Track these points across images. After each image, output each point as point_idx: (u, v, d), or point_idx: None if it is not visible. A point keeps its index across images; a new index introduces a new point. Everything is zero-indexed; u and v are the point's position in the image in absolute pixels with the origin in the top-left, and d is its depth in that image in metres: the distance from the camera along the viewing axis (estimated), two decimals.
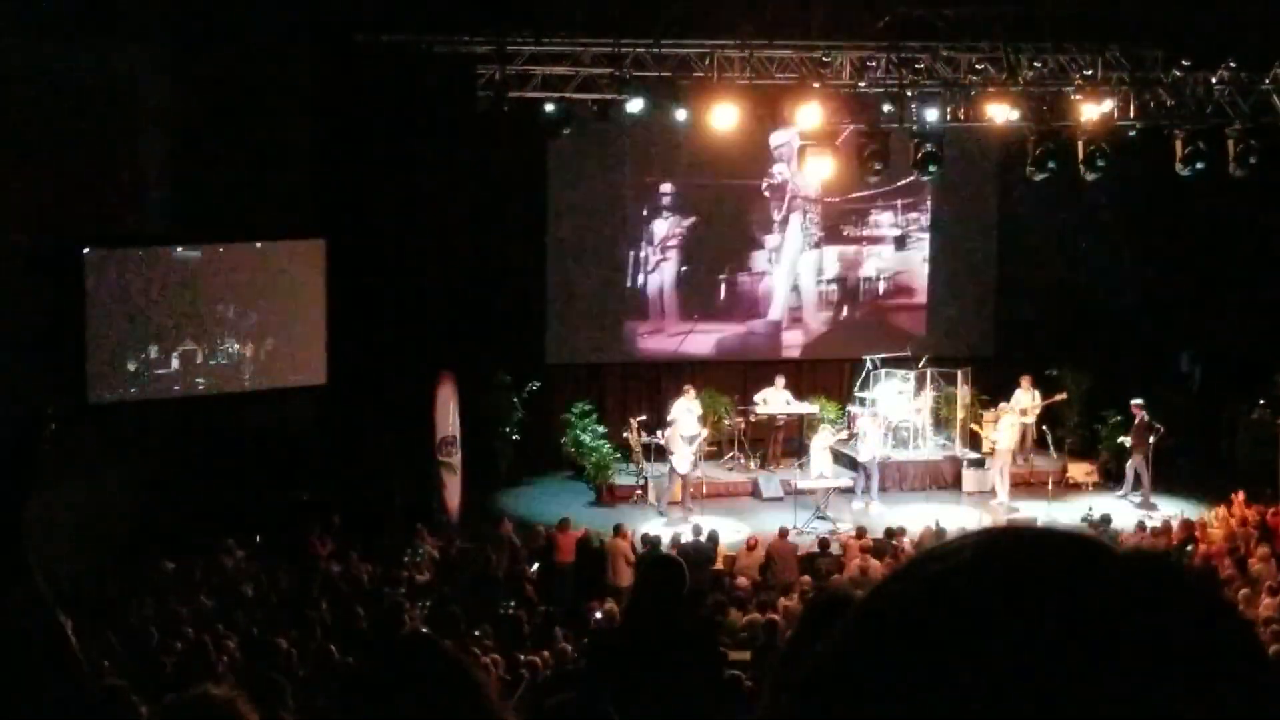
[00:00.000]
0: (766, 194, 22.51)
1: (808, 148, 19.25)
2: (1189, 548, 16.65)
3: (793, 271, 22.75)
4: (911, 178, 20.74)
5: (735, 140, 19.58)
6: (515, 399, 20.74)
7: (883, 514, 19.33)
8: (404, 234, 19.18)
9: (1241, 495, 18.34)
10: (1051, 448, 20.10)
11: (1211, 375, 21.89)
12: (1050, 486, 19.98)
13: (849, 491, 20.01)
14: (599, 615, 13.83)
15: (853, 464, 20.40)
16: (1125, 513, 19.12)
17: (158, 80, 17.53)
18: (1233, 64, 18.87)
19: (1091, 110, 18.85)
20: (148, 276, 17.52)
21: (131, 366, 17.38)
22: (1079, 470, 20.99)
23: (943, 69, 19.32)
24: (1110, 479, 21.18)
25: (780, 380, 21.28)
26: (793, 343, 22.88)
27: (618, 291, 22.34)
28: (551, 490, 20.68)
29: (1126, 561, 0.84)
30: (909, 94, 19.05)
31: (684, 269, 22.49)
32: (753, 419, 21.36)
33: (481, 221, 20.60)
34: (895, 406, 21.21)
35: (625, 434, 20.75)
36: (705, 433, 20.33)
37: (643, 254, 22.41)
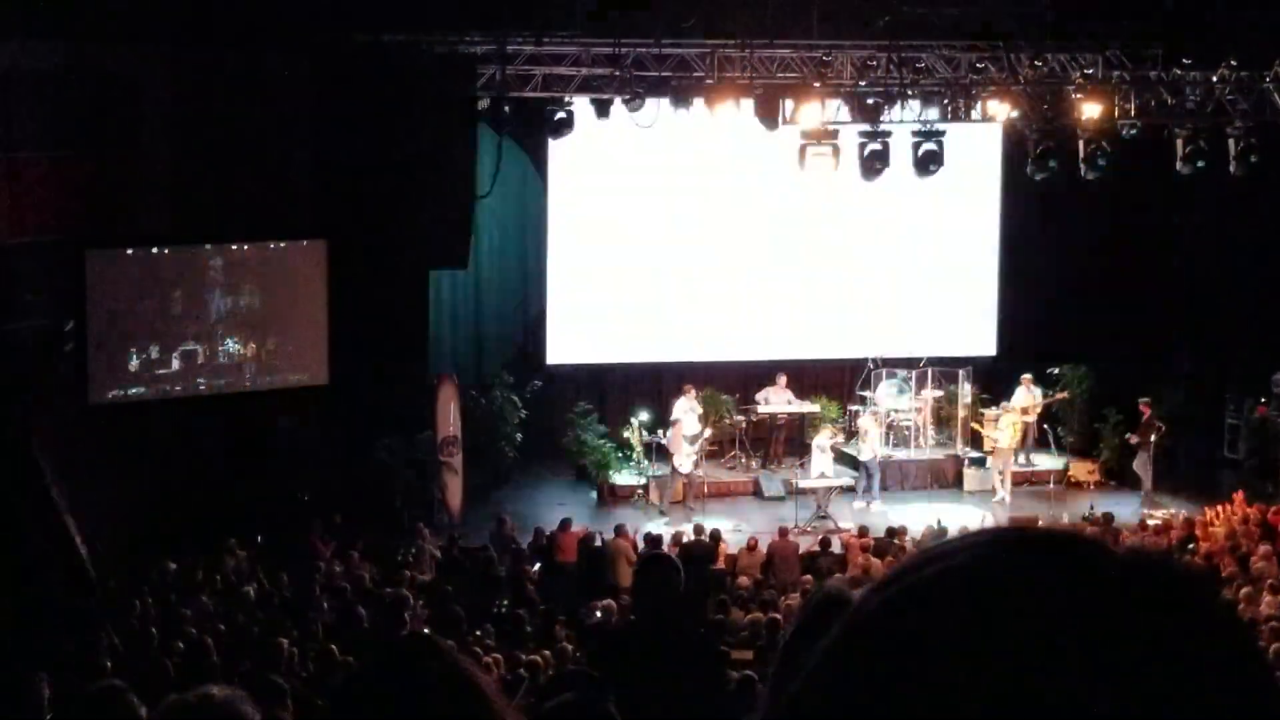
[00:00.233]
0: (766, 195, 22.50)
1: (808, 148, 19.25)
2: (1190, 546, 16.65)
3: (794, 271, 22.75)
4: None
5: (735, 140, 19.60)
6: (516, 399, 20.74)
7: (884, 513, 19.34)
8: (405, 234, 19.17)
9: (1241, 495, 18.34)
10: (1053, 446, 20.09)
11: (1214, 374, 21.86)
12: (1052, 485, 19.98)
13: (850, 491, 20.01)
14: (599, 614, 13.83)
15: (854, 463, 20.41)
16: (1128, 511, 19.11)
17: (158, 80, 17.53)
18: (1233, 62, 18.86)
19: (1092, 109, 18.85)
20: (149, 277, 17.53)
21: (133, 367, 17.39)
22: (1080, 469, 21.00)
23: (943, 68, 19.31)
24: (1112, 478, 21.19)
25: (781, 379, 21.29)
26: (793, 343, 22.86)
27: (619, 290, 22.32)
28: (553, 490, 20.69)
29: (1125, 562, 0.84)
30: (910, 93, 19.05)
31: (685, 268, 22.49)
32: (754, 418, 21.36)
33: (482, 221, 20.61)
34: (895, 406, 21.23)
35: (626, 433, 20.76)
36: (709, 432, 20.34)
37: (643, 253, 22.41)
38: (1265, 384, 20.92)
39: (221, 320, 18.16)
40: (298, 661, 11.08)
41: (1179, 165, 19.32)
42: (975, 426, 21.07)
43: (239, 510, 16.63)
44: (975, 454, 20.91)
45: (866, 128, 18.86)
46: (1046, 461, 20.92)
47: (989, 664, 0.79)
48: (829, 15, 18.15)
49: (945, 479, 21.13)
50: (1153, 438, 20.10)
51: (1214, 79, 19.02)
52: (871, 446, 20.11)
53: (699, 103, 18.66)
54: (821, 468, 19.79)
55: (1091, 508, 19.01)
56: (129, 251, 17.54)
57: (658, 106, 18.69)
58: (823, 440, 19.99)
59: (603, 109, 18.89)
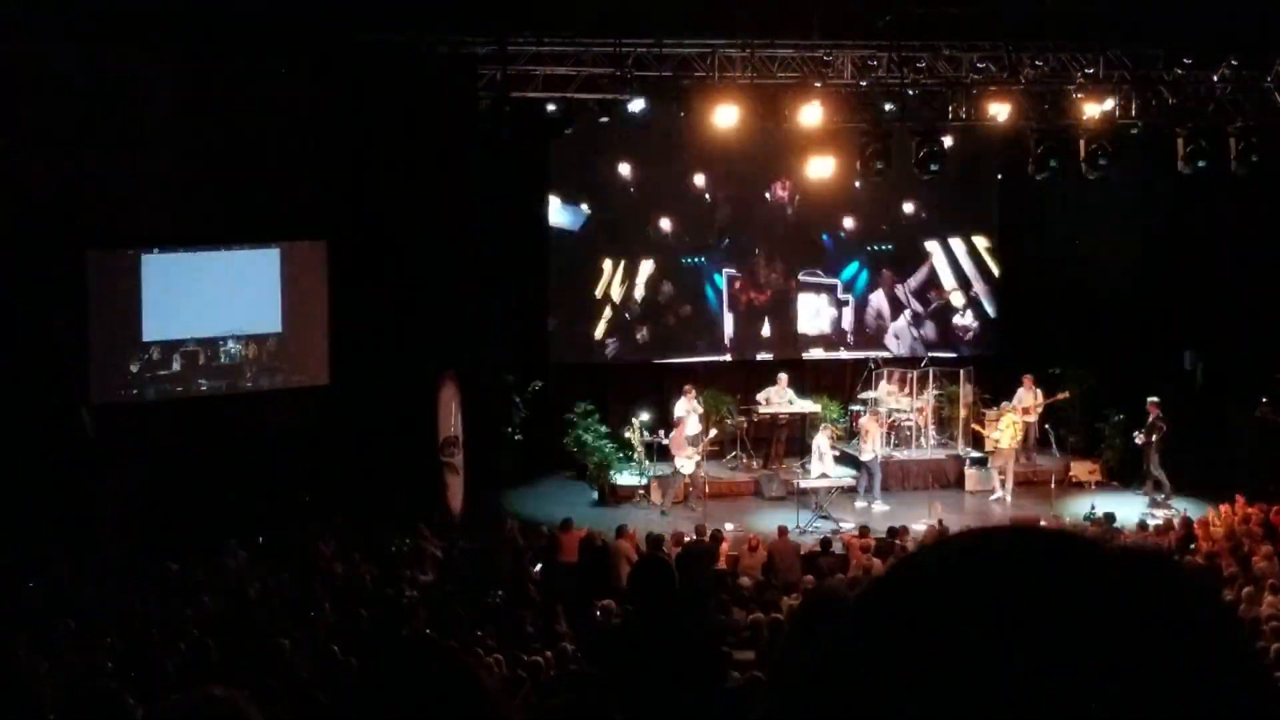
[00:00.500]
0: (767, 196, 22.53)
1: (809, 147, 19.26)
2: (1191, 546, 16.64)
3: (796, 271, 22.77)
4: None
5: (737, 140, 19.58)
6: (517, 399, 20.74)
7: (885, 513, 19.34)
8: (406, 234, 19.18)
9: (1242, 496, 18.33)
10: (1054, 446, 20.08)
11: (1214, 374, 21.85)
12: (1053, 485, 19.98)
13: (851, 491, 20.01)
14: (600, 615, 13.82)
15: (855, 464, 20.41)
16: (1130, 511, 19.11)
17: (159, 81, 17.53)
18: (1234, 62, 18.87)
19: (1093, 109, 18.86)
20: (150, 277, 17.53)
21: (134, 368, 17.40)
22: (1082, 469, 21.00)
23: (944, 68, 19.31)
24: (1113, 478, 21.19)
25: (783, 379, 21.29)
26: (795, 340, 22.87)
27: (620, 290, 22.33)
28: (554, 490, 20.69)
29: (1120, 560, 0.85)
30: (910, 93, 19.05)
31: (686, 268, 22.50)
32: (755, 418, 21.37)
33: (483, 221, 20.60)
34: (896, 406, 21.23)
35: (627, 433, 20.76)
36: (714, 432, 20.35)
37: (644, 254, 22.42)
38: (1267, 383, 20.91)
39: (222, 321, 18.16)
40: (299, 662, 11.07)
41: (1180, 165, 19.33)
42: (976, 428, 21.06)
43: (240, 511, 16.63)
44: (976, 454, 20.91)
45: (867, 128, 18.86)
46: (1048, 461, 20.91)
47: (987, 661, 0.79)
48: (830, 15, 18.16)
49: (946, 479, 21.13)
50: (1154, 437, 20.10)
51: (1215, 79, 19.02)
52: (873, 446, 20.10)
53: (700, 102, 18.66)
54: (822, 468, 19.79)
55: (1093, 508, 19.01)
56: (130, 252, 17.54)
57: (658, 106, 18.69)
58: (822, 440, 19.99)
59: (604, 109, 18.89)
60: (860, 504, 19.85)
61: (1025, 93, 19.02)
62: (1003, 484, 20.31)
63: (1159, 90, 19.19)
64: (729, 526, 18.19)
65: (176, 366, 17.79)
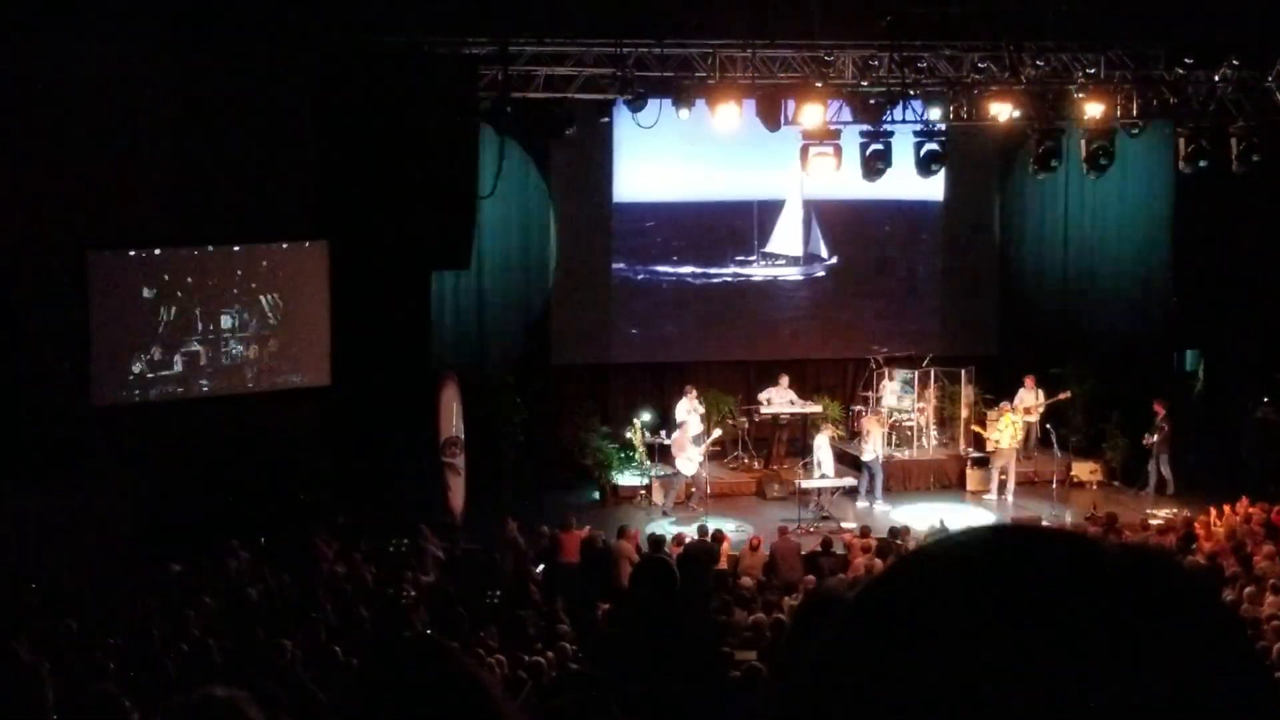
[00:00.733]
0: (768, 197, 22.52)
1: (810, 148, 19.25)
2: (1192, 545, 16.64)
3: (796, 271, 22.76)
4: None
5: (737, 140, 19.60)
6: (519, 399, 20.74)
7: (887, 513, 19.34)
8: (407, 235, 19.18)
9: (1245, 498, 18.33)
10: (1056, 447, 20.08)
11: (1216, 374, 21.85)
12: (1055, 485, 19.97)
13: (853, 491, 20.01)
14: (601, 615, 13.82)
15: (856, 464, 20.40)
16: (1132, 512, 19.12)
17: (160, 81, 17.53)
18: (1235, 61, 18.85)
19: (1094, 108, 18.85)
20: (150, 278, 17.54)
21: (135, 369, 17.40)
22: (1083, 469, 20.99)
23: (945, 68, 19.31)
24: (1115, 478, 21.18)
25: (784, 379, 21.29)
26: (795, 340, 22.85)
27: (621, 291, 22.33)
28: (555, 491, 20.68)
29: (1121, 560, 0.84)
30: (912, 93, 19.04)
31: (688, 269, 22.49)
32: (756, 419, 21.37)
33: (484, 222, 20.60)
34: (898, 406, 21.23)
35: (629, 434, 20.75)
36: (718, 433, 20.35)
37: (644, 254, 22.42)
38: (1270, 383, 20.91)
39: (223, 322, 18.17)
40: (300, 663, 11.07)
41: (1181, 164, 19.33)
42: (975, 429, 21.05)
43: (241, 511, 16.63)
44: (978, 454, 20.90)
45: (868, 128, 18.85)
46: (1049, 461, 20.88)
47: (987, 660, 0.79)
48: (831, 15, 18.16)
49: (948, 479, 21.13)
50: (1155, 437, 20.11)
51: (1216, 78, 19.01)
52: (874, 447, 20.10)
53: (700, 102, 18.65)
54: (823, 468, 19.78)
55: (1095, 508, 19.00)
56: (130, 253, 17.55)
57: (659, 106, 18.69)
58: (823, 440, 19.98)
59: (604, 109, 18.88)
60: (861, 504, 19.85)
61: (1026, 92, 19.02)
62: (1004, 484, 20.30)
63: (1160, 89, 19.18)
64: (730, 527, 18.19)
65: (178, 367, 17.79)
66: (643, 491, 20.26)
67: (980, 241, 23.41)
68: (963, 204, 23.12)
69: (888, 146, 18.78)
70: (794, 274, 22.80)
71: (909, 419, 21.31)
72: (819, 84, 18.59)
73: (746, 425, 21.40)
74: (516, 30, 18.18)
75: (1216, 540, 16.93)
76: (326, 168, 18.65)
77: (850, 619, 0.86)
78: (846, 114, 19.30)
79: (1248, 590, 14.04)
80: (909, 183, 20.42)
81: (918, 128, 19.01)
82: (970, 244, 23.35)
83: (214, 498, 16.73)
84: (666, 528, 18.25)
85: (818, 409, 21.41)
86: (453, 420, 18.81)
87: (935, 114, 19.20)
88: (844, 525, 18.60)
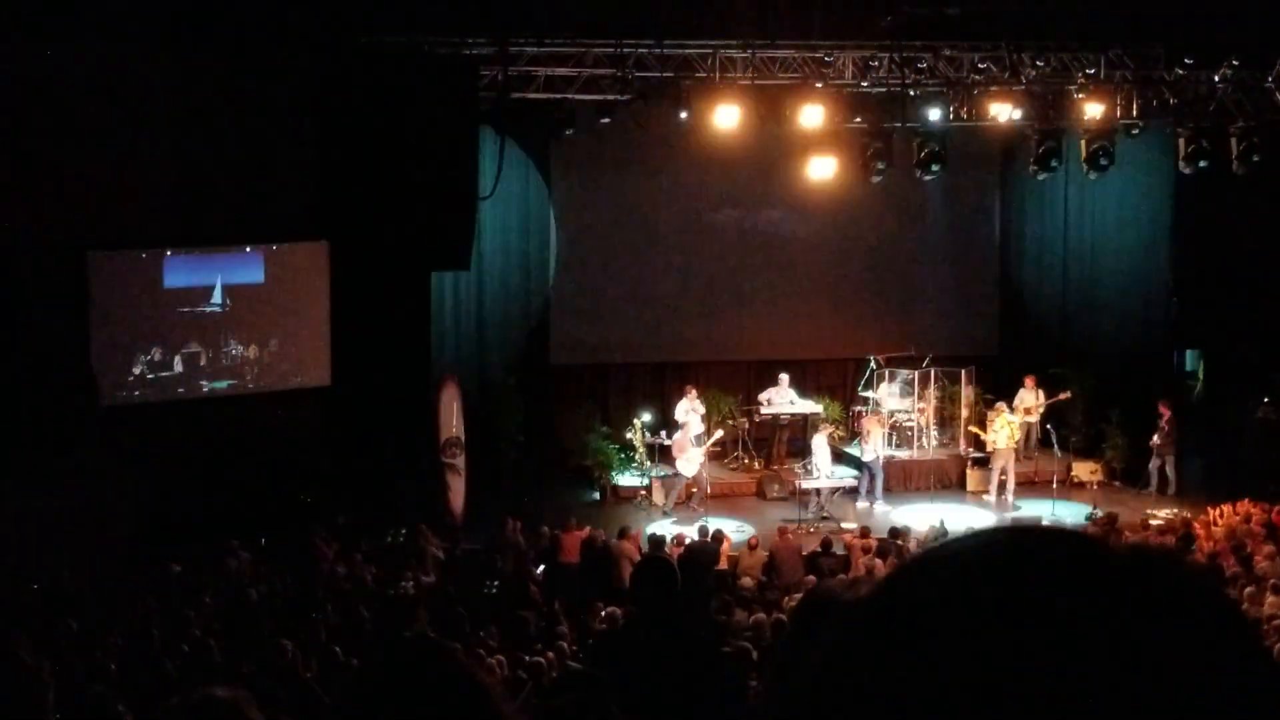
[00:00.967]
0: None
1: (810, 148, 19.26)
2: (1192, 545, 16.63)
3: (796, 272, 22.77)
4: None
5: (737, 140, 19.58)
6: (519, 400, 20.74)
7: (887, 514, 19.33)
8: (407, 235, 19.17)
9: (1248, 501, 18.34)
10: (1056, 447, 20.08)
11: (1216, 373, 21.84)
12: (1055, 485, 19.97)
13: (853, 492, 20.01)
14: (603, 615, 13.81)
15: (857, 464, 20.40)
16: (1132, 512, 19.11)
17: (160, 82, 17.53)
18: (1235, 61, 18.86)
19: (1094, 109, 18.85)
20: (151, 279, 17.54)
21: (136, 369, 17.40)
22: (1084, 469, 20.98)
23: (945, 68, 19.31)
24: (1115, 478, 21.18)
25: (784, 379, 21.29)
26: (795, 341, 22.85)
27: (622, 291, 22.33)
28: (556, 491, 20.67)
29: (1128, 560, 0.84)
30: (912, 93, 19.04)
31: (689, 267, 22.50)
32: (757, 419, 21.36)
33: (485, 222, 20.61)
34: (898, 406, 21.22)
35: (629, 434, 20.75)
36: (720, 433, 20.34)
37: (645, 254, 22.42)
38: (1270, 383, 20.90)
39: (224, 323, 18.17)
40: (301, 663, 11.07)
41: (1181, 165, 19.33)
42: (972, 429, 21.04)
43: (242, 512, 16.63)
44: (978, 454, 20.89)
45: (869, 128, 18.85)
46: (1050, 461, 20.88)
47: (993, 662, 0.79)
48: (831, 16, 18.16)
49: (948, 479, 21.12)
50: (1157, 439, 20.13)
51: (1216, 78, 19.01)
52: (874, 447, 20.09)
53: (701, 103, 18.65)
54: (823, 468, 19.77)
55: (1095, 508, 19.00)
56: (131, 253, 17.54)
57: (660, 107, 18.69)
58: (821, 440, 19.96)
59: (605, 110, 18.89)
60: (862, 504, 19.85)
61: (1026, 93, 19.02)
62: (1003, 485, 20.29)
63: (1160, 90, 19.18)
64: (731, 527, 18.18)
65: (178, 368, 17.79)
66: (643, 492, 20.25)
67: (981, 241, 23.41)
68: (963, 204, 23.12)
69: (888, 147, 18.78)
70: (796, 272, 22.80)
71: (909, 419, 21.31)
72: (819, 84, 18.60)
73: (747, 425, 21.40)
74: (516, 31, 18.18)
75: (1217, 540, 16.93)
76: (326, 168, 18.64)
77: (855, 621, 0.86)
78: (847, 114, 19.29)
79: (1248, 590, 14.04)
80: (909, 182, 20.44)
81: (918, 128, 19.02)
82: (970, 244, 23.35)
83: (214, 498, 16.72)
84: (667, 528, 18.25)
85: (818, 409, 21.40)
86: (453, 421, 18.81)
87: (935, 114, 19.21)
88: (844, 525, 18.60)
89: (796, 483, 19.79)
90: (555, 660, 11.55)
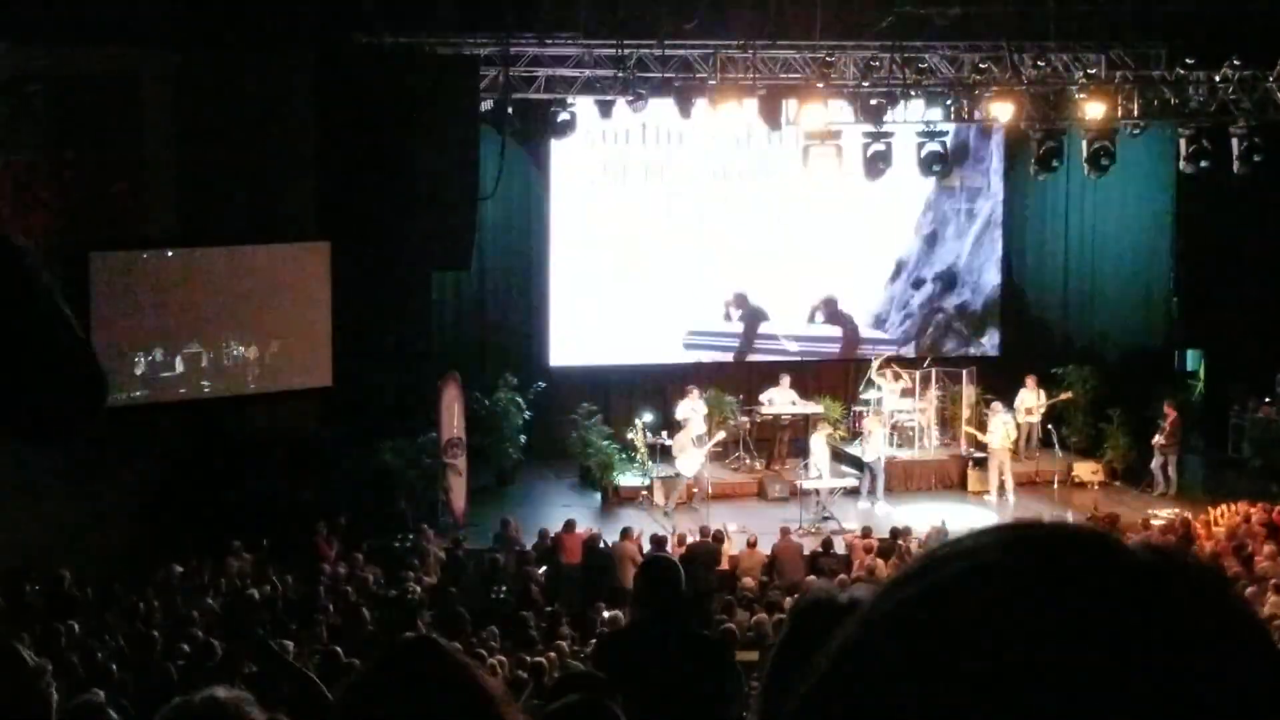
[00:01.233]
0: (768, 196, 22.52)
1: (811, 148, 19.26)
2: (1193, 545, 16.62)
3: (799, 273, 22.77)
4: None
5: (738, 139, 19.63)
6: (520, 400, 20.74)
7: (888, 514, 19.32)
8: (408, 235, 19.18)
9: (1247, 501, 18.34)
10: (1057, 447, 20.07)
11: (1217, 374, 21.83)
12: (1056, 485, 19.96)
13: (854, 492, 20.00)
14: (605, 616, 13.81)
15: (858, 464, 20.39)
16: (1133, 512, 19.10)
17: (161, 83, 17.53)
18: (1236, 61, 18.86)
19: (1095, 108, 18.85)
20: (152, 279, 17.54)
21: (137, 370, 17.40)
22: (1084, 469, 20.97)
23: (946, 68, 19.31)
24: (1116, 478, 21.18)
25: (785, 380, 21.28)
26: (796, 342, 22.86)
27: (623, 291, 22.32)
28: (557, 492, 20.68)
29: (1142, 557, 0.84)
30: (913, 93, 19.04)
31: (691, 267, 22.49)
32: (758, 419, 21.35)
33: (485, 223, 20.62)
34: (899, 406, 21.21)
35: (630, 435, 20.73)
36: (722, 434, 20.33)
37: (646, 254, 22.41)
38: (1270, 383, 20.90)
39: (225, 323, 18.17)
40: (303, 663, 11.07)
41: (1182, 164, 19.33)
42: (969, 429, 21.04)
43: (243, 513, 16.63)
44: (979, 454, 20.88)
45: (870, 128, 18.85)
46: (1051, 461, 20.88)
47: (1016, 661, 0.78)
48: (832, 16, 18.16)
49: (950, 479, 21.11)
50: (1157, 439, 20.13)
51: (1217, 78, 19.01)
52: (875, 447, 20.08)
53: (702, 103, 18.66)
54: (822, 468, 19.74)
55: (1096, 508, 18.99)
56: (132, 253, 17.54)
57: (661, 107, 18.69)
58: (819, 440, 19.93)
59: (605, 110, 18.89)
60: (863, 504, 19.83)
61: (1027, 93, 19.01)
62: (1003, 485, 20.28)
63: (1161, 90, 19.18)
64: (732, 527, 18.17)
65: (179, 368, 17.79)
66: (644, 492, 20.24)
67: (982, 241, 23.40)
68: (964, 204, 23.12)
69: (889, 147, 18.79)
70: (797, 272, 22.80)
71: (910, 419, 21.30)
72: (820, 84, 18.60)
73: (748, 425, 21.38)
74: (518, 31, 18.18)
75: (1217, 540, 16.92)
76: (327, 168, 18.66)
77: (871, 620, 0.85)
78: (848, 114, 19.31)
79: (1249, 590, 14.03)
80: (910, 182, 20.44)
81: (919, 128, 19.02)
82: (972, 243, 23.34)
83: (216, 498, 16.72)
84: (668, 528, 18.24)
85: (819, 409, 21.39)
86: (454, 421, 18.81)
87: (936, 114, 19.21)
88: (845, 526, 18.58)
89: (798, 483, 19.77)
90: (556, 660, 11.55)
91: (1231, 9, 18.66)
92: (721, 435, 20.39)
